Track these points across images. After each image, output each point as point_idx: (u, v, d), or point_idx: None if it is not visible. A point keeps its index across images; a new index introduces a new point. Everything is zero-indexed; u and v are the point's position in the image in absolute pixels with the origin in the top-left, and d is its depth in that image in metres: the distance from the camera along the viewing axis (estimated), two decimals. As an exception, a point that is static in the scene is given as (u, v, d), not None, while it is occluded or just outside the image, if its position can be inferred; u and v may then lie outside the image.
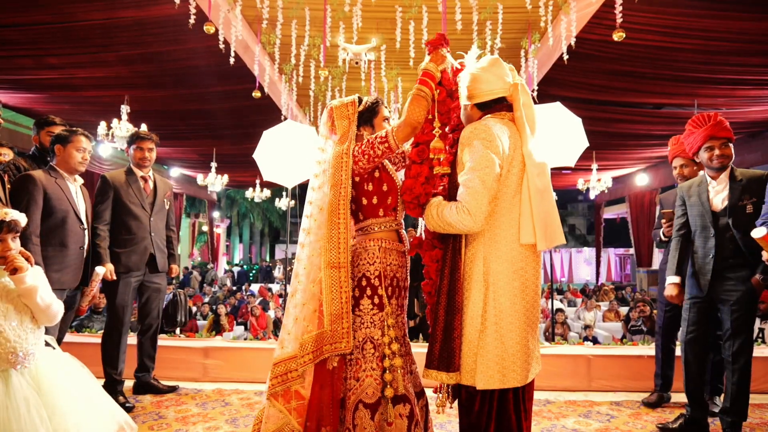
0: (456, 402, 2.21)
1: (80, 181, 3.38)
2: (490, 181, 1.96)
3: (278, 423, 2.23)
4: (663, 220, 3.68)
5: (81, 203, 3.34)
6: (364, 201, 2.33)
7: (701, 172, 3.29)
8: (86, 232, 3.34)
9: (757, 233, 2.43)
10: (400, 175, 2.49)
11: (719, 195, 3.09)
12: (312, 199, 2.40)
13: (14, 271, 1.99)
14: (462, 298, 2.04)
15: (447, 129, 2.30)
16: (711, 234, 3.08)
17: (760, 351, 4.13)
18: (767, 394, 3.94)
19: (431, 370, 2.05)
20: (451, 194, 2.14)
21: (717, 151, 3.04)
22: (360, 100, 2.44)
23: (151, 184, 3.88)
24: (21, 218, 2.08)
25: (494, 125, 2.04)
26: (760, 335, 6.12)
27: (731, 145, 3.08)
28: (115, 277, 3.55)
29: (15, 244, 2.06)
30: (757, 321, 6.19)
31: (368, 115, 2.43)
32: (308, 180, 4.69)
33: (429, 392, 2.43)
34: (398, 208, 2.39)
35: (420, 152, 2.20)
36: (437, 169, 2.13)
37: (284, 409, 2.20)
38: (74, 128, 3.35)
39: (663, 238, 3.73)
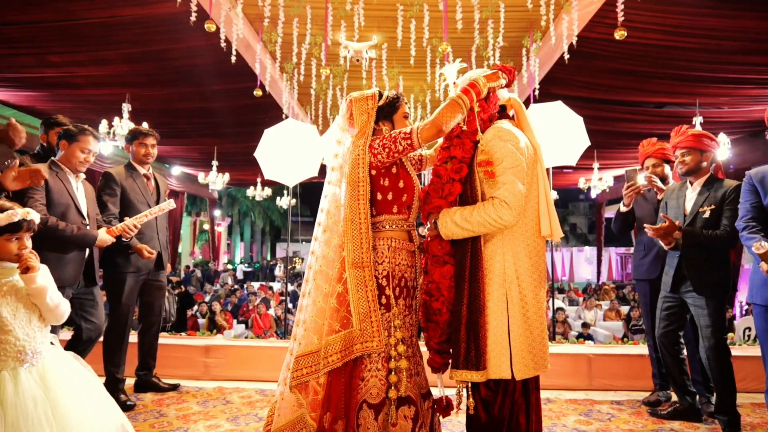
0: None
1: (82, 176, 3.33)
2: (522, 177, 2.08)
3: (290, 417, 2.22)
4: (626, 183, 3.62)
5: (82, 198, 3.28)
6: (379, 196, 2.31)
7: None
8: (88, 227, 3.27)
9: (759, 249, 2.44)
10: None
11: (690, 200, 3.29)
12: (327, 193, 2.38)
13: (26, 270, 2.00)
14: (484, 297, 2.08)
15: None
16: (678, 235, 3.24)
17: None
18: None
19: (459, 371, 2.07)
20: (462, 203, 2.20)
21: (678, 159, 3.34)
22: (380, 95, 2.41)
23: (153, 182, 3.87)
24: (36, 218, 2.11)
25: (512, 127, 2.18)
26: (748, 332, 6.12)
27: (700, 153, 3.26)
28: (154, 254, 3.58)
29: (29, 243, 2.08)
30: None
31: (389, 111, 2.40)
32: (309, 179, 4.68)
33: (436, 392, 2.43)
34: (412, 206, 2.37)
35: (458, 170, 2.16)
36: (485, 179, 2.12)
37: (304, 402, 2.19)
38: (84, 127, 3.28)
39: (622, 208, 3.77)
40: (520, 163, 2.08)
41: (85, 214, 3.26)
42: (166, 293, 4.21)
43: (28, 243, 2.08)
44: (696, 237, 3.09)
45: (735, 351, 3.28)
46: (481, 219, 2.04)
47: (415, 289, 2.37)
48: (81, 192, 3.30)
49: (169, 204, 3.58)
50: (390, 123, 2.40)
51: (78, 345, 3.26)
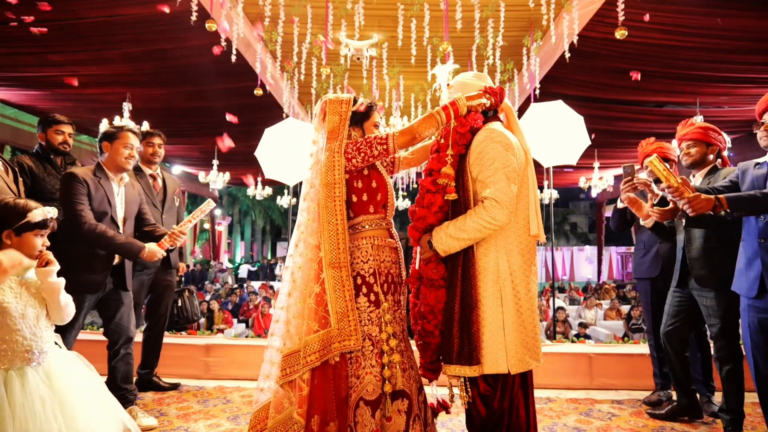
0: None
1: (126, 179, 3.30)
2: (513, 177, 2.11)
3: (285, 413, 2.23)
4: (624, 180, 3.40)
5: (120, 205, 3.23)
6: (354, 198, 2.35)
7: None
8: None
9: (649, 159, 2.48)
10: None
11: None
12: (305, 193, 2.42)
13: (46, 264, 2.05)
14: (477, 293, 2.11)
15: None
16: (682, 226, 3.25)
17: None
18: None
19: (452, 366, 2.10)
20: (455, 206, 2.21)
21: (684, 151, 3.34)
22: (355, 101, 2.45)
23: (160, 181, 3.89)
24: (55, 215, 2.16)
25: (504, 130, 2.22)
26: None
27: (706, 146, 3.26)
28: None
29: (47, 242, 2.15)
30: None
31: (360, 117, 2.44)
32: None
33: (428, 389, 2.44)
34: (388, 205, 2.42)
35: (434, 181, 2.21)
36: (448, 196, 2.15)
37: (294, 398, 2.20)
38: (122, 125, 3.29)
39: (620, 204, 3.74)
40: (511, 163, 2.12)
41: (119, 222, 3.21)
42: (188, 293, 4.22)
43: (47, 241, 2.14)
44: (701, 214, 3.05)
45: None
46: (475, 225, 2.06)
47: (401, 285, 2.42)
48: (121, 197, 3.25)
49: (209, 203, 3.45)
50: (360, 129, 2.45)
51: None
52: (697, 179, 3.29)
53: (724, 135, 3.44)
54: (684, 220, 3.11)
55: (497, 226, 2.07)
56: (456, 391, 2.25)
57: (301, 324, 2.26)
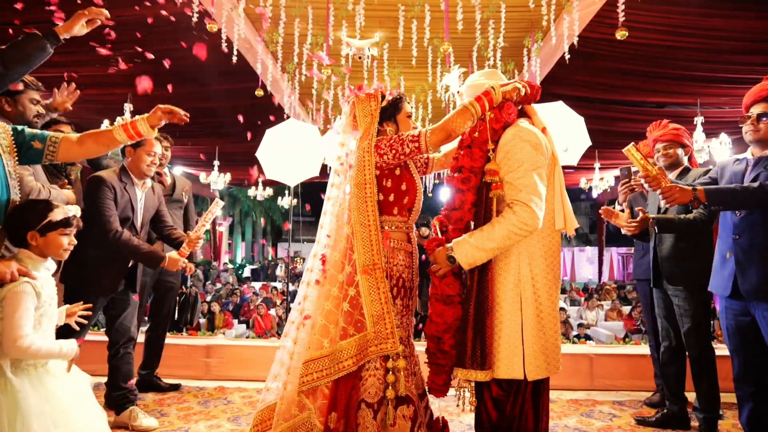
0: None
1: (149, 184, 3.29)
2: (543, 178, 2.02)
3: (293, 421, 2.18)
4: (621, 181, 3.47)
5: (140, 211, 3.23)
6: (381, 197, 2.30)
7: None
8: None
9: (626, 147, 2.47)
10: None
11: None
12: (331, 196, 2.37)
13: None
14: (494, 297, 2.04)
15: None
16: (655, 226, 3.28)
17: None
18: None
19: (465, 370, 2.03)
20: (477, 217, 2.11)
21: (661, 152, 3.37)
22: (382, 96, 2.40)
23: (168, 179, 3.93)
24: (78, 214, 2.17)
25: (532, 127, 2.12)
26: None
27: (681, 147, 3.33)
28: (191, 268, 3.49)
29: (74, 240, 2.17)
30: None
31: (391, 111, 2.39)
32: (310, 179, 4.67)
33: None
34: (413, 209, 2.37)
35: (465, 180, 2.08)
36: (493, 193, 2.03)
37: (312, 406, 2.16)
38: None
39: (617, 207, 3.73)
40: (541, 164, 2.03)
41: (138, 228, 3.23)
42: (190, 295, 4.24)
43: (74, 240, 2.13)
44: (670, 222, 3.09)
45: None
46: (505, 232, 1.94)
47: (413, 290, 2.38)
48: (141, 203, 3.26)
49: (217, 203, 3.40)
50: (394, 123, 2.40)
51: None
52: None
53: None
54: (656, 227, 3.13)
55: (528, 232, 1.96)
56: (467, 394, 2.19)
57: (329, 328, 2.21)
